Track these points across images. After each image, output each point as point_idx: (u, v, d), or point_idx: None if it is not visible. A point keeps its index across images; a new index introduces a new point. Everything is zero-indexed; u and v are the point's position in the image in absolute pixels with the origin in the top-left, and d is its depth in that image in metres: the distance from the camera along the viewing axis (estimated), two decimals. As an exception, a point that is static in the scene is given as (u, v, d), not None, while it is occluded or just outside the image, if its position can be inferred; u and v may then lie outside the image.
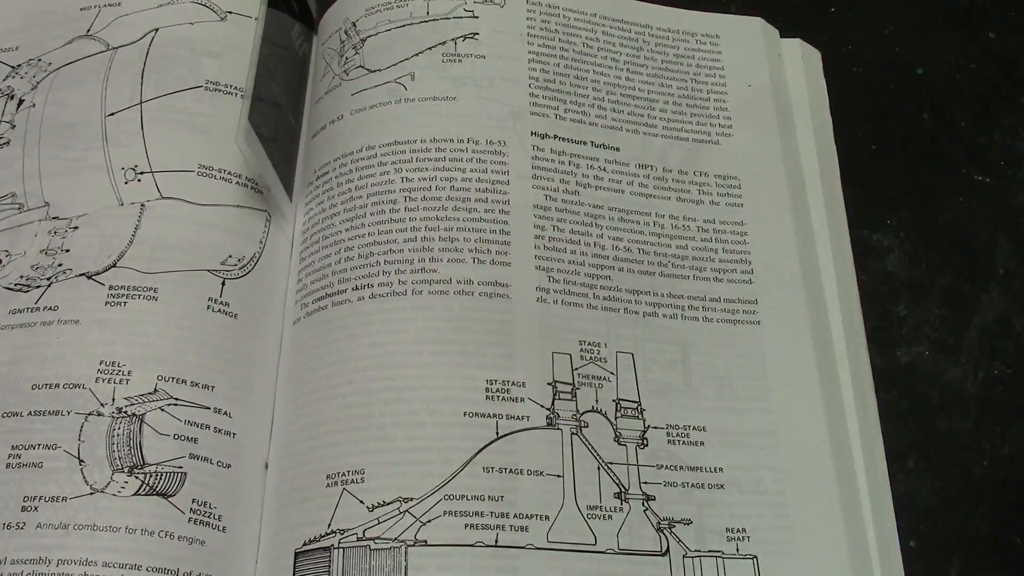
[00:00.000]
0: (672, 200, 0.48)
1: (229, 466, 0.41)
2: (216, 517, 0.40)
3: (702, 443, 0.42)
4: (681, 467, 0.42)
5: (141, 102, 0.48)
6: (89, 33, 0.51)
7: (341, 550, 0.38)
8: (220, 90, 0.49)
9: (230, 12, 0.52)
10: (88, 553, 0.38)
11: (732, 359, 0.45)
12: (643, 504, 0.41)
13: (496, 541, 0.39)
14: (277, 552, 0.40)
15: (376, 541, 0.38)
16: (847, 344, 0.46)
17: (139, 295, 0.43)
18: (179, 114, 0.48)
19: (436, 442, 0.40)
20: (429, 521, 0.38)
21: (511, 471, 0.40)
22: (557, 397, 0.42)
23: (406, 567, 0.38)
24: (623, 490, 0.41)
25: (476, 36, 0.50)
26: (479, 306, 0.43)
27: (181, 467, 0.40)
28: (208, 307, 0.44)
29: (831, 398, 0.44)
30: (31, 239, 0.45)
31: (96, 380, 0.41)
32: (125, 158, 0.47)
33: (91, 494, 0.39)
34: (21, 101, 0.49)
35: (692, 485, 0.41)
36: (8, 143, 0.48)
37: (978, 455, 0.45)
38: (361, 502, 0.39)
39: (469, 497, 0.39)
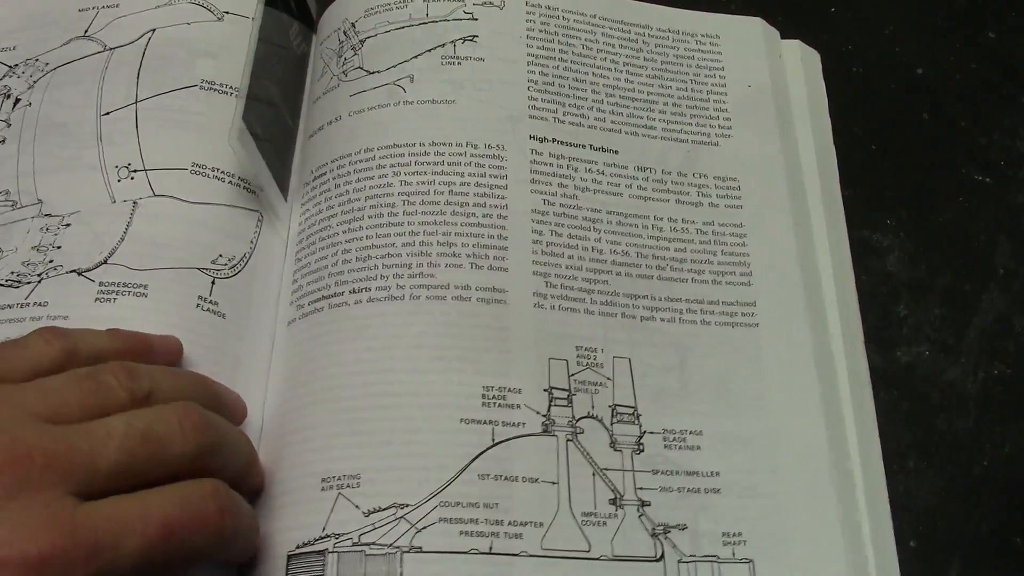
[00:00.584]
0: (671, 202, 0.48)
1: None
2: None
3: (699, 447, 0.42)
4: (677, 472, 0.42)
5: (136, 101, 0.48)
6: (87, 34, 0.51)
7: (336, 554, 0.38)
8: (216, 89, 0.49)
9: (227, 12, 0.52)
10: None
11: (730, 362, 0.44)
12: (638, 510, 0.40)
13: (490, 548, 0.38)
14: (267, 554, 0.39)
15: (371, 547, 0.38)
16: (844, 345, 0.46)
17: (129, 291, 0.43)
18: (174, 113, 0.48)
19: (433, 448, 0.40)
20: (424, 527, 0.38)
21: (506, 478, 0.40)
22: (553, 403, 0.42)
23: (401, 573, 0.37)
24: (618, 496, 0.41)
25: (475, 38, 0.50)
26: (476, 312, 0.43)
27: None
28: (198, 305, 0.43)
29: (829, 400, 0.44)
30: (23, 236, 0.45)
31: None
32: (119, 156, 0.47)
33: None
34: (18, 100, 0.49)
35: (688, 489, 0.41)
36: (3, 141, 0.48)
37: (978, 455, 0.45)
38: (356, 507, 0.39)
39: (464, 504, 0.39)
